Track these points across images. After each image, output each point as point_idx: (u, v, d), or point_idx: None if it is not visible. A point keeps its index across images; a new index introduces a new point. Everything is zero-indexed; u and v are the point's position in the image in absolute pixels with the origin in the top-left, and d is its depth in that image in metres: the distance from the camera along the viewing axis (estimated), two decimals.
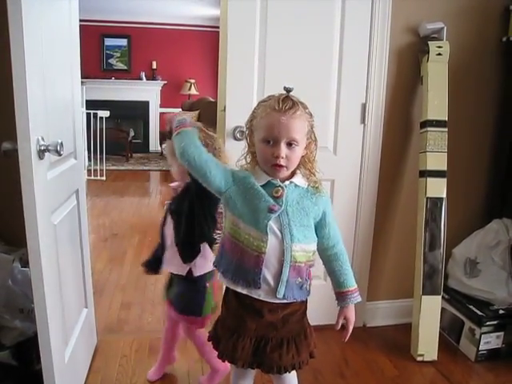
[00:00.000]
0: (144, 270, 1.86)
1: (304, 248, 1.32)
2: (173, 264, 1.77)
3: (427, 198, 2.18)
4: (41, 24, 1.40)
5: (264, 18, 2.08)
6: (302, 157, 1.32)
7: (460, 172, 2.38)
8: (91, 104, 6.42)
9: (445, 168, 2.19)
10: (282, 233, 1.29)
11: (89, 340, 2.14)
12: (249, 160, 1.37)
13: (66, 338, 1.72)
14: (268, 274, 1.30)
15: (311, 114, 1.31)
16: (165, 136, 6.74)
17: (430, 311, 2.22)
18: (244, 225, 1.29)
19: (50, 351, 1.49)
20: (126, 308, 2.67)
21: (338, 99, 2.23)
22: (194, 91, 8.49)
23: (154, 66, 8.42)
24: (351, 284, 1.38)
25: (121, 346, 2.26)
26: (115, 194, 5.63)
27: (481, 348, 2.22)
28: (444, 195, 2.20)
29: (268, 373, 1.41)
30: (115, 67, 8.39)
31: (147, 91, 8.56)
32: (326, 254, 1.39)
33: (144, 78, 8.40)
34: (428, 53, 2.20)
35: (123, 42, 8.29)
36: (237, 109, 2.11)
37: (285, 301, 1.33)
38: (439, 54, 2.20)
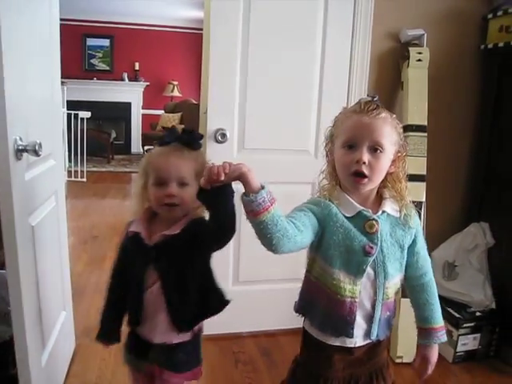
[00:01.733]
0: (103, 344, 1.40)
1: (396, 282, 1.20)
2: (161, 333, 1.30)
3: None
4: (19, 22, 1.39)
5: (247, 21, 2.09)
6: (390, 174, 1.16)
7: (439, 176, 2.42)
8: (72, 104, 6.34)
9: (424, 172, 2.22)
10: (375, 271, 1.15)
11: (67, 344, 2.11)
12: (328, 180, 1.19)
13: (44, 341, 1.69)
14: (359, 316, 1.16)
15: (400, 124, 1.16)
16: (147, 138, 6.58)
17: (409, 314, 2.23)
18: (333, 269, 1.13)
19: (27, 355, 1.46)
20: None
21: (320, 103, 2.24)
22: (176, 93, 8.46)
23: (137, 67, 8.37)
24: (437, 321, 1.25)
25: (100, 350, 2.22)
26: (96, 195, 5.57)
27: (458, 350, 2.26)
28: (423, 199, 2.23)
29: None
30: (97, 68, 8.32)
31: (129, 92, 8.50)
32: (411, 284, 1.26)
33: (126, 79, 8.34)
34: (408, 59, 2.23)
35: (106, 42, 8.23)
36: (218, 111, 2.12)
37: (377, 339, 1.22)
38: (419, 60, 2.23)
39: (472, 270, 2.36)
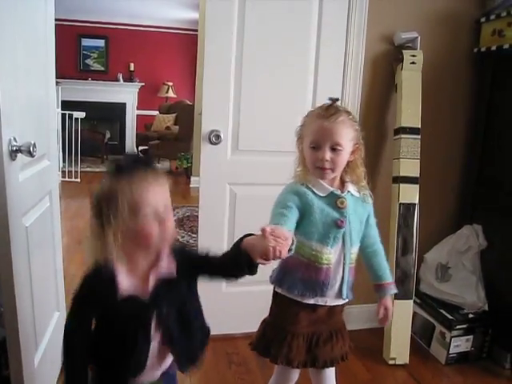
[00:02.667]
0: None
1: (356, 250, 1.44)
2: (151, 374, 1.16)
3: (400, 203, 2.23)
4: (14, 22, 1.38)
5: (241, 23, 2.10)
6: (350, 162, 1.40)
7: (432, 179, 2.43)
8: (67, 105, 6.32)
9: (417, 174, 2.24)
10: (344, 240, 1.38)
11: (60, 345, 2.10)
12: (300, 168, 1.43)
13: (37, 342, 1.68)
14: (333, 279, 1.40)
15: (356, 121, 1.40)
16: (141, 139, 6.57)
17: (402, 315, 2.25)
18: (310, 242, 1.36)
19: (20, 356, 1.46)
20: None
21: (314, 105, 2.20)
22: (171, 94, 8.46)
23: (132, 68, 8.35)
24: (388, 278, 1.51)
25: None
26: (90, 196, 5.53)
27: (451, 351, 2.27)
28: (416, 201, 2.25)
29: (322, 368, 1.49)
30: (92, 68, 8.30)
31: (124, 93, 8.47)
32: (367, 251, 1.50)
33: (121, 79, 8.32)
34: (402, 61, 2.24)
35: (100, 42, 8.20)
36: (213, 112, 2.12)
37: (346, 301, 1.46)
38: (413, 63, 2.25)
39: (465, 272, 2.38)
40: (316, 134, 1.33)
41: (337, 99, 1.38)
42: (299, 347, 1.42)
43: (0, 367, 1.71)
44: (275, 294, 1.49)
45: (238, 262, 1.07)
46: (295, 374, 1.57)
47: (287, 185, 1.41)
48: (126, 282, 1.07)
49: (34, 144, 1.39)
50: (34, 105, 1.67)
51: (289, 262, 1.37)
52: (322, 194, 1.36)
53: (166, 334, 1.11)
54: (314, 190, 1.36)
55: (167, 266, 1.10)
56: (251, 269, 1.06)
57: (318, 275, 1.37)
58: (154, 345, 1.11)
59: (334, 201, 1.36)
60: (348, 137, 1.34)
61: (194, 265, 1.15)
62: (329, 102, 1.37)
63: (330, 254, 1.36)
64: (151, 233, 1.04)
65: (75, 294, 1.13)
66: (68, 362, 1.13)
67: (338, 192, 1.38)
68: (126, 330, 1.07)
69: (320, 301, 1.41)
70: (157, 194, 1.05)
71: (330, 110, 1.34)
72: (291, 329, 1.43)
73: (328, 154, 1.32)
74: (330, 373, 1.55)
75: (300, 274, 1.39)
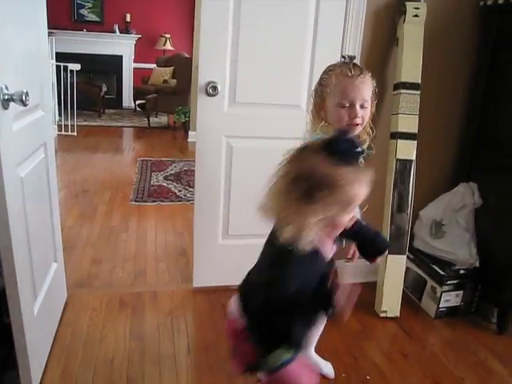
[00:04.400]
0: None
1: None
2: None
3: (397, 159, 2.22)
4: None
5: None
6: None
7: (430, 135, 2.41)
8: (62, 57, 6.17)
9: (415, 131, 2.22)
10: None
11: (59, 294, 2.15)
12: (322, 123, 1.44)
13: (35, 291, 1.72)
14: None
15: (373, 79, 1.47)
16: (139, 92, 6.56)
17: (395, 270, 2.29)
18: None
19: (19, 304, 1.50)
20: (97, 263, 2.67)
21: (313, 59, 2.18)
22: (169, 46, 8.26)
23: (128, 19, 8.12)
24: None
25: (91, 301, 2.27)
26: (87, 150, 5.52)
27: (441, 305, 2.33)
28: (413, 157, 2.24)
29: None
30: (87, 18, 8.06)
31: (121, 45, 8.28)
32: None
33: (117, 31, 8.10)
34: (405, 14, 2.17)
35: None
36: (210, 63, 2.08)
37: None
38: (416, 16, 2.18)
39: (459, 229, 2.40)
40: (347, 94, 1.38)
41: (354, 57, 1.45)
42: None
43: (1, 315, 1.76)
44: None
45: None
46: None
47: None
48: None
49: (27, 93, 1.36)
50: (25, 54, 1.63)
51: None
52: None
53: None
54: None
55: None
56: None
57: None
58: None
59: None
60: (371, 94, 1.44)
61: None
62: (347, 59, 1.43)
63: None
64: (345, 225, 1.11)
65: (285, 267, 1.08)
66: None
67: (359, 149, 1.37)
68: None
69: None
70: (366, 190, 1.04)
71: (356, 69, 1.40)
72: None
73: (359, 112, 1.39)
74: None
75: None
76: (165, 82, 7.45)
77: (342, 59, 1.45)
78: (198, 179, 2.26)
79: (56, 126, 5.89)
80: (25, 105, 1.37)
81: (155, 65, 8.13)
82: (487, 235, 2.35)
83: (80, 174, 4.52)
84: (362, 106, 1.40)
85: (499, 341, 2.22)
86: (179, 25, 8.29)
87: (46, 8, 1.89)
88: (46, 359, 1.82)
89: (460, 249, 2.37)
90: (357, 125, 1.41)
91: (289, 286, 1.06)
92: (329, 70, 1.44)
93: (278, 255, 1.08)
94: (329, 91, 1.41)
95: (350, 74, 1.39)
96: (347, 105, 1.39)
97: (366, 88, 1.41)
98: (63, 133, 5.87)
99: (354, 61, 1.44)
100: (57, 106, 6.05)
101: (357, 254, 1.53)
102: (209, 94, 2.08)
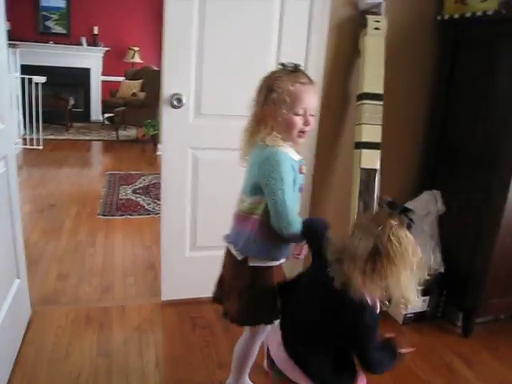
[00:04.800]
0: None
1: None
2: None
3: (361, 168, 2.25)
4: None
5: None
6: None
7: (394, 145, 2.46)
8: (28, 69, 6.08)
9: (379, 140, 2.26)
10: None
11: (22, 311, 2.09)
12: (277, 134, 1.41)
13: None
14: None
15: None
16: (107, 106, 6.46)
17: None
18: None
19: None
20: (63, 279, 2.61)
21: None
22: (137, 59, 8.21)
23: (96, 32, 8.03)
24: None
25: (57, 317, 2.22)
26: (53, 164, 5.41)
27: (408, 312, 2.36)
28: (378, 166, 2.28)
29: None
30: (53, 31, 7.92)
31: (89, 58, 8.17)
32: None
33: (85, 43, 8.01)
34: (366, 26, 2.23)
35: (61, 3, 7.78)
36: (174, 75, 2.09)
37: None
38: (377, 29, 2.24)
39: (424, 236, 2.44)
40: (304, 101, 1.37)
41: (299, 65, 1.43)
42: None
43: None
44: (254, 268, 1.50)
45: None
46: None
47: (281, 155, 1.39)
48: None
49: None
50: None
51: (262, 229, 1.44)
52: (296, 159, 1.44)
53: None
54: (291, 155, 1.42)
55: None
56: None
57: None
58: None
59: (299, 166, 1.45)
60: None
61: None
62: (291, 67, 1.41)
63: None
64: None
65: None
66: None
67: (301, 156, 1.48)
68: None
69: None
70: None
71: (306, 76, 1.40)
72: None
73: (312, 120, 1.41)
74: None
75: (276, 238, 1.44)
76: (133, 94, 7.40)
77: (282, 66, 1.43)
78: (164, 191, 2.25)
79: (21, 140, 5.77)
80: None
81: (124, 78, 8.07)
82: (451, 241, 2.40)
83: (46, 188, 4.42)
84: (311, 115, 1.41)
85: (464, 344, 2.27)
86: (148, 37, 8.26)
87: (4, 20, 1.86)
88: (7, 380, 1.75)
89: (425, 255, 2.41)
90: (305, 133, 1.42)
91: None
92: (277, 77, 1.40)
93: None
94: (286, 98, 1.37)
95: (304, 81, 1.39)
96: (301, 112, 1.38)
97: (316, 97, 1.43)
98: (28, 146, 5.74)
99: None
100: (21, 120, 5.93)
101: (305, 250, 1.55)
102: (174, 106, 2.08)
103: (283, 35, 2.18)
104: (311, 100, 1.39)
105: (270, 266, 1.51)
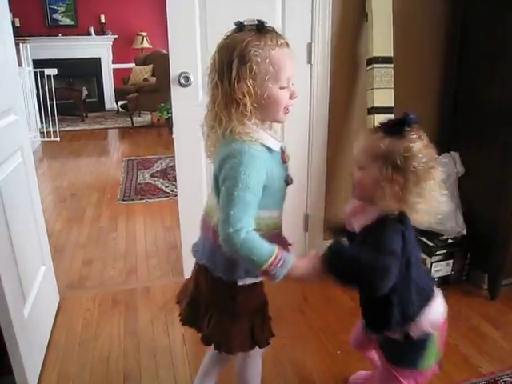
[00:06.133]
0: None
1: None
2: None
3: None
4: None
5: None
6: None
7: (408, 108, 2.38)
8: (39, 63, 6.11)
9: (392, 104, 2.22)
10: None
11: (50, 297, 2.15)
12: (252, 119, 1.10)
13: (24, 295, 1.72)
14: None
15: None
16: (120, 93, 6.51)
17: None
18: (271, 212, 1.18)
19: (7, 308, 1.50)
20: (88, 264, 2.67)
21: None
22: (146, 44, 8.20)
23: (103, 20, 8.03)
24: None
25: (84, 301, 2.28)
26: (72, 154, 5.48)
27: (432, 276, 2.34)
28: None
29: None
30: (61, 23, 7.95)
31: (98, 47, 8.19)
32: None
33: (93, 33, 8.02)
34: None
35: None
36: (180, 54, 2.07)
37: None
38: None
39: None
40: (288, 68, 1.07)
41: (265, 22, 1.09)
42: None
43: None
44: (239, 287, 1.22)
45: None
46: None
47: (248, 153, 1.06)
48: None
49: None
50: None
51: None
52: (276, 149, 1.15)
53: None
54: (270, 146, 1.12)
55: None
56: None
57: (280, 239, 1.23)
58: None
59: (281, 155, 1.17)
60: None
61: None
62: (255, 23, 1.08)
63: (281, 218, 1.24)
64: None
65: None
66: None
67: (284, 143, 1.19)
68: None
69: None
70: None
71: (279, 35, 1.09)
72: (264, 307, 1.32)
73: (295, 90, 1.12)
74: None
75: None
76: (145, 80, 7.41)
77: (241, 26, 1.10)
78: (179, 171, 2.26)
79: (39, 133, 5.85)
80: None
81: (134, 64, 8.07)
82: (472, 203, 2.36)
83: (66, 178, 4.49)
84: (292, 84, 1.12)
85: (491, 306, 2.24)
86: (155, 21, 8.21)
87: (8, 15, 1.88)
88: (41, 362, 1.82)
89: (447, 219, 2.38)
90: (290, 107, 1.13)
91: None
92: (248, 42, 1.05)
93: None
94: (270, 68, 1.05)
95: (282, 42, 1.07)
96: (285, 84, 1.08)
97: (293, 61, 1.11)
98: (46, 139, 5.83)
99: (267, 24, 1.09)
100: (37, 113, 6.00)
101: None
102: (182, 85, 2.07)
103: (287, 4, 2.14)
104: (292, 66, 1.09)
105: (254, 283, 1.23)
